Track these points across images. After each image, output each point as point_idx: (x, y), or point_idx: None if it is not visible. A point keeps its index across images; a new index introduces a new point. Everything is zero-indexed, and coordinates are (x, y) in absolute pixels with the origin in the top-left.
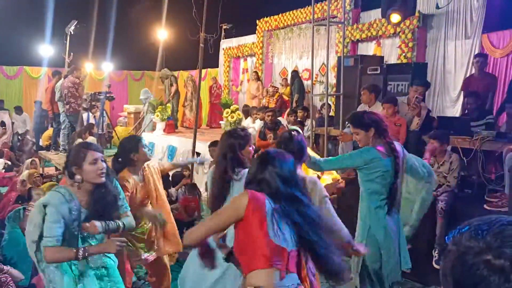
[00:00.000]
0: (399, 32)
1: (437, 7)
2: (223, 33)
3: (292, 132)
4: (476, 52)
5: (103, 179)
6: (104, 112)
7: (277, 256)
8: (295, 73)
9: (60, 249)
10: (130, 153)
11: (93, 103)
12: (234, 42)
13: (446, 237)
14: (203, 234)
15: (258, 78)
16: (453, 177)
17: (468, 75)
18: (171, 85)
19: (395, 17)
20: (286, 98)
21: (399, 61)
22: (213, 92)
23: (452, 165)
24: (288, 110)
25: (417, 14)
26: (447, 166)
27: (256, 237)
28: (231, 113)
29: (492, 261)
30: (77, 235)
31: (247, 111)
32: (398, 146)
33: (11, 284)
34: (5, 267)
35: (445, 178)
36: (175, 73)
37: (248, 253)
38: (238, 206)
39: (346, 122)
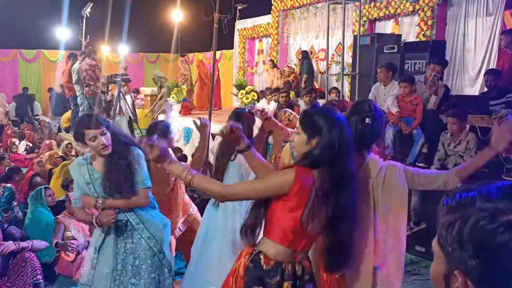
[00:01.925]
0: (418, 9)
1: None
2: (237, 14)
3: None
4: (498, 30)
5: (107, 151)
6: (122, 94)
7: (299, 239)
8: (305, 53)
9: (79, 210)
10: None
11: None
12: (249, 22)
13: (445, 201)
14: (243, 193)
15: (275, 65)
16: (470, 157)
17: (488, 53)
18: (161, 87)
19: None
20: None
21: (417, 40)
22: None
23: (469, 144)
24: (304, 91)
25: None
26: (463, 145)
27: (287, 217)
28: (246, 94)
29: None
30: (95, 196)
31: (262, 92)
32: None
33: (34, 260)
34: (28, 242)
35: (461, 158)
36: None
37: (274, 221)
38: (283, 182)
39: None
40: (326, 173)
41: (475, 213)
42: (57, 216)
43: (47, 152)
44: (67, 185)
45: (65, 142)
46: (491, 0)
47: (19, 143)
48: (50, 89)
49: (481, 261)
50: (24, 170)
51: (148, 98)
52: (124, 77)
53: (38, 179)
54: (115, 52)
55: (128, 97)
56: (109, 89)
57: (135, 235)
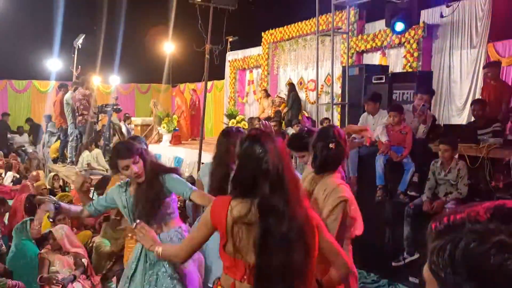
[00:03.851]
0: (404, 42)
1: (441, 16)
2: (228, 46)
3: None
4: (482, 61)
5: (140, 179)
6: (112, 124)
7: (233, 268)
8: (292, 86)
9: (80, 210)
10: None
11: (102, 115)
12: (239, 54)
13: (433, 226)
14: (191, 247)
15: (268, 95)
16: (463, 185)
17: (474, 84)
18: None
19: (399, 26)
20: None
21: (404, 71)
22: (192, 104)
23: (460, 172)
24: (295, 120)
25: (421, 24)
26: (454, 174)
27: (219, 246)
28: (236, 123)
29: (506, 240)
30: (130, 221)
31: (251, 123)
32: None
33: None
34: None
35: (452, 186)
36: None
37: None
38: (206, 219)
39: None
40: (246, 201)
41: (465, 235)
42: (41, 252)
43: (34, 183)
44: (53, 218)
45: (52, 174)
46: (475, 34)
47: (5, 174)
48: (28, 120)
49: (476, 284)
50: (11, 202)
51: (139, 128)
52: (114, 107)
53: (40, 196)
54: (106, 83)
55: (123, 126)
56: (100, 119)
57: (161, 266)
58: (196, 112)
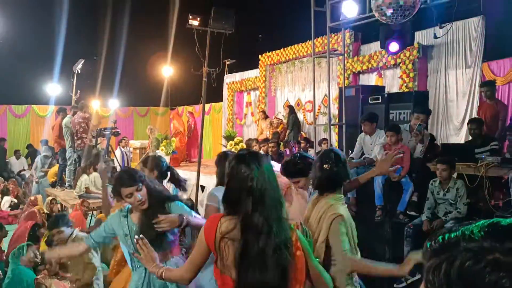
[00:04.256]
0: (400, 63)
1: (435, 37)
2: (226, 68)
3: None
4: (477, 81)
5: (144, 207)
6: (110, 147)
7: (224, 285)
8: (291, 108)
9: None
10: None
11: (101, 138)
12: (237, 76)
13: (428, 244)
14: (190, 270)
15: (266, 116)
16: (462, 204)
17: (470, 103)
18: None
19: (394, 46)
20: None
21: (400, 91)
22: (188, 126)
23: (459, 192)
24: (293, 142)
25: (416, 45)
26: (453, 193)
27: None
28: (234, 145)
29: (501, 258)
30: (132, 248)
31: (249, 144)
32: None
33: None
34: None
35: (452, 205)
36: (180, 108)
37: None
38: (201, 238)
39: (350, 151)
40: (234, 218)
41: (460, 254)
42: (37, 277)
43: (32, 208)
44: (50, 242)
45: (49, 198)
46: (469, 54)
47: (2, 199)
48: (28, 146)
49: None
50: (8, 227)
51: (137, 151)
52: (113, 130)
53: (43, 230)
54: (105, 107)
55: (117, 150)
56: (98, 142)
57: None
58: (192, 134)
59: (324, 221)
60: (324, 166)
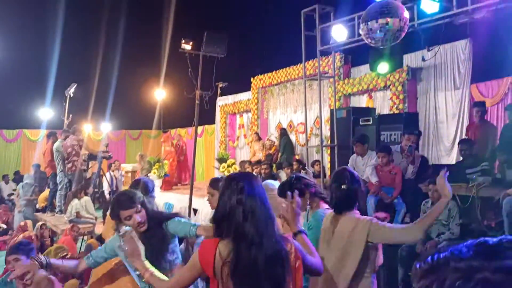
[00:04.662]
0: (390, 85)
1: (423, 60)
2: (219, 91)
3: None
4: (466, 102)
5: (143, 228)
6: (102, 171)
7: None
8: (283, 130)
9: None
10: None
11: (92, 162)
12: (229, 99)
13: (418, 265)
14: (177, 284)
15: (259, 138)
16: (455, 225)
17: (460, 124)
18: None
19: (383, 67)
20: None
21: (391, 113)
22: (178, 149)
23: (451, 212)
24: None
25: (405, 67)
26: (445, 213)
27: None
28: (227, 167)
29: (490, 277)
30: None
31: (242, 166)
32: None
33: None
34: None
35: (444, 226)
36: (172, 131)
37: None
38: (194, 261)
39: None
40: (229, 242)
41: (450, 273)
42: None
43: (21, 234)
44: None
45: (39, 223)
46: (457, 76)
47: None
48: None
49: None
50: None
51: (129, 174)
52: (104, 153)
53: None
54: (97, 130)
55: (107, 174)
56: (90, 166)
57: None
58: (184, 157)
59: (357, 234)
60: (342, 186)
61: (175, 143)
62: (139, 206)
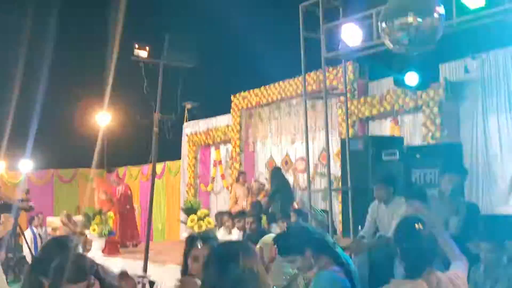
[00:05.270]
0: (422, 105)
1: (466, 71)
2: (186, 114)
3: None
4: None
5: None
6: (19, 227)
7: None
8: (276, 169)
9: None
10: None
11: (4, 215)
12: (201, 125)
13: None
14: None
15: (244, 180)
16: None
17: None
18: None
19: (413, 78)
20: None
21: (425, 143)
22: (119, 197)
23: None
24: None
25: (442, 82)
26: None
27: None
28: (198, 221)
29: None
30: None
31: (220, 219)
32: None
33: None
34: None
35: None
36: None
37: None
38: None
39: (359, 227)
40: None
41: None
42: None
43: None
44: None
45: None
46: None
47: None
48: None
49: None
50: None
51: (57, 232)
52: (22, 203)
53: None
54: (14, 169)
55: (28, 231)
56: (1, 221)
57: None
58: (130, 208)
59: None
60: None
61: (114, 189)
62: (93, 278)
